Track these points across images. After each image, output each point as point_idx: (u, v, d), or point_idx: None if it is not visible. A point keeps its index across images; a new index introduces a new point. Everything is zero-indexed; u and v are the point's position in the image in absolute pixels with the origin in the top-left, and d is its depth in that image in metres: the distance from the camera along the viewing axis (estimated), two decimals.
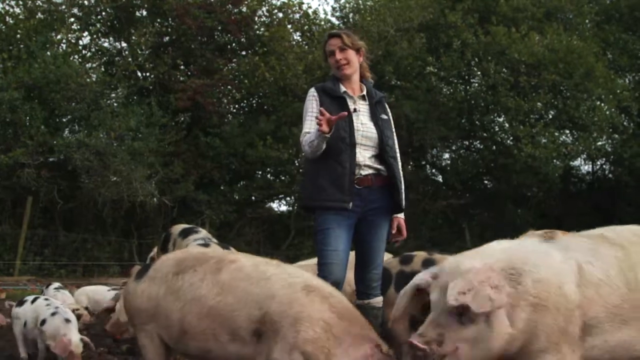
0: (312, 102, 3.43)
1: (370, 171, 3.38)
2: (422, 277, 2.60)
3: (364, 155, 3.36)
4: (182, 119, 13.31)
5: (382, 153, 3.40)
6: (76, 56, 12.96)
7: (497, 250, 2.55)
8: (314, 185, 3.37)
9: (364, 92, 3.52)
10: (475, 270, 2.40)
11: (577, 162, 15.65)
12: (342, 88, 3.47)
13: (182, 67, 13.93)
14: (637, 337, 2.51)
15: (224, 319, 2.76)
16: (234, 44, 14.46)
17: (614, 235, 2.67)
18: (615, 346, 2.48)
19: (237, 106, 15.08)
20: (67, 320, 3.93)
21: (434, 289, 2.48)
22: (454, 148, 15.69)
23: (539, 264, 2.45)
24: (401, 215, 3.52)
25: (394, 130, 3.59)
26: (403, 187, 3.50)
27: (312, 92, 3.49)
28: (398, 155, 3.55)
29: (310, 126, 3.36)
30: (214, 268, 2.89)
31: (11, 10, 12.54)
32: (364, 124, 3.40)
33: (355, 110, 3.42)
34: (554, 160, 13.01)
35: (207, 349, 2.84)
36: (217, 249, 3.17)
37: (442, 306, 2.40)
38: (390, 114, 3.62)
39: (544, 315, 2.37)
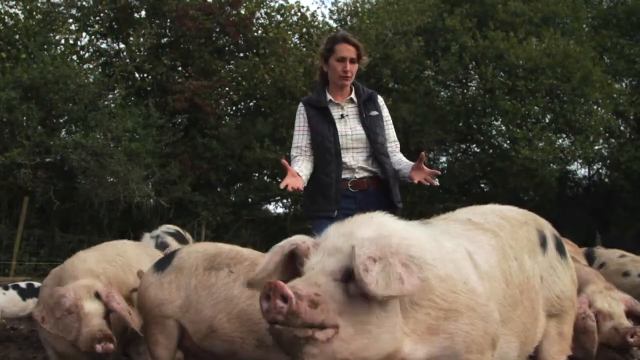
0: (299, 117, 3.50)
1: (366, 174, 3.39)
2: (304, 240, 2.06)
3: (357, 159, 3.38)
4: (180, 120, 13.29)
5: (375, 152, 3.39)
6: (74, 57, 12.95)
7: (388, 223, 2.06)
8: (308, 197, 3.47)
9: (352, 95, 3.50)
10: (383, 238, 1.88)
11: (573, 167, 15.71)
12: (328, 97, 3.47)
13: (180, 68, 13.92)
14: (511, 341, 2.22)
15: (253, 323, 2.82)
16: (232, 46, 14.47)
17: (482, 220, 2.40)
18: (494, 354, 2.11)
19: (234, 108, 15.08)
20: None
21: (316, 252, 1.96)
22: (450, 151, 15.71)
23: (437, 256, 2.00)
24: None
25: (386, 124, 3.53)
26: (406, 168, 3.39)
27: (300, 106, 3.53)
28: (395, 147, 3.51)
29: (298, 140, 3.45)
30: (247, 270, 2.94)
31: (10, 10, 12.54)
32: (352, 128, 3.41)
33: (342, 116, 3.43)
34: (551, 164, 13.04)
35: (233, 350, 2.90)
36: (250, 250, 3.22)
37: (322, 267, 1.87)
38: (381, 108, 3.55)
39: (457, 321, 1.95)
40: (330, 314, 1.75)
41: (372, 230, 1.96)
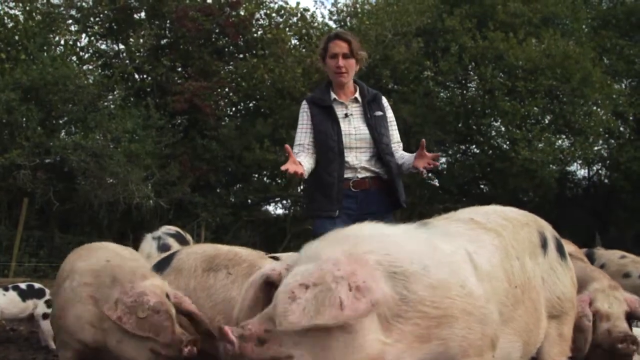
0: (303, 115, 3.50)
1: (368, 174, 3.40)
2: (274, 267, 2.14)
3: (360, 159, 3.38)
4: (179, 121, 13.29)
5: (379, 152, 3.39)
6: (74, 58, 12.95)
7: (370, 237, 2.02)
8: (308, 196, 3.49)
9: (357, 94, 3.50)
10: (336, 259, 1.86)
11: (573, 167, 15.71)
12: (332, 95, 3.47)
13: (179, 69, 13.92)
14: (513, 341, 2.22)
15: None
16: (231, 47, 14.47)
17: (484, 220, 2.39)
18: (496, 354, 2.09)
19: (234, 109, 15.08)
20: None
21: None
22: (450, 152, 15.69)
23: (429, 263, 1.97)
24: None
25: (390, 125, 3.55)
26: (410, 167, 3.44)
27: (304, 104, 3.54)
28: (398, 147, 3.55)
29: (300, 138, 3.45)
30: (245, 272, 2.95)
31: (10, 12, 12.54)
32: (356, 128, 3.41)
33: (346, 115, 3.43)
34: (550, 165, 13.04)
35: None
36: (250, 251, 3.23)
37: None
38: (386, 109, 3.58)
39: (452, 327, 1.93)
40: (282, 348, 1.80)
41: (344, 248, 1.93)
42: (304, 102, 3.56)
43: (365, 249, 1.93)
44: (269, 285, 2.11)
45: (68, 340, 3.10)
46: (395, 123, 3.60)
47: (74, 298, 3.06)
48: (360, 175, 3.38)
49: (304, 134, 3.45)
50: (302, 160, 3.29)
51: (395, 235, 2.09)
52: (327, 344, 1.78)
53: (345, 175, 3.36)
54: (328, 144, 3.36)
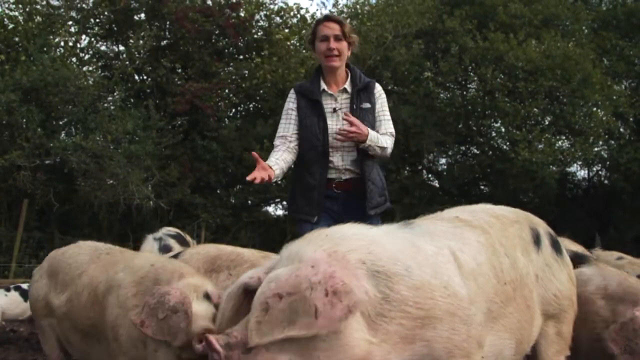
0: (288, 105, 3.34)
1: (352, 175, 3.22)
2: (252, 275, 2.04)
3: (346, 159, 3.21)
4: (180, 122, 13.29)
5: (361, 151, 3.18)
6: (74, 59, 12.95)
7: (352, 236, 2.00)
8: (290, 195, 3.37)
9: (347, 84, 3.30)
10: (316, 260, 1.83)
11: (573, 168, 15.70)
12: (322, 85, 3.27)
13: (179, 70, 13.92)
14: (504, 338, 2.19)
15: None
16: (231, 48, 14.48)
17: (470, 217, 2.35)
18: (486, 352, 2.07)
19: (234, 110, 15.08)
20: None
21: None
22: (450, 153, 15.69)
23: (412, 264, 1.95)
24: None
25: (378, 116, 3.29)
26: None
27: (292, 94, 3.35)
28: (387, 143, 3.23)
29: (283, 129, 3.32)
30: None
31: (10, 13, 12.54)
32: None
33: (334, 110, 3.24)
34: (551, 166, 13.04)
35: None
36: (252, 251, 3.21)
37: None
38: (377, 98, 3.33)
39: (436, 328, 1.91)
40: (269, 354, 1.78)
41: (325, 248, 1.90)
42: (292, 91, 3.36)
43: (348, 247, 1.91)
44: (250, 293, 2.03)
45: None
46: (386, 113, 3.33)
47: (124, 314, 2.78)
48: (344, 177, 3.22)
49: (287, 126, 3.30)
50: (278, 159, 3.16)
51: (377, 235, 2.06)
52: (314, 344, 1.77)
53: (330, 176, 3.20)
54: (312, 143, 3.19)
